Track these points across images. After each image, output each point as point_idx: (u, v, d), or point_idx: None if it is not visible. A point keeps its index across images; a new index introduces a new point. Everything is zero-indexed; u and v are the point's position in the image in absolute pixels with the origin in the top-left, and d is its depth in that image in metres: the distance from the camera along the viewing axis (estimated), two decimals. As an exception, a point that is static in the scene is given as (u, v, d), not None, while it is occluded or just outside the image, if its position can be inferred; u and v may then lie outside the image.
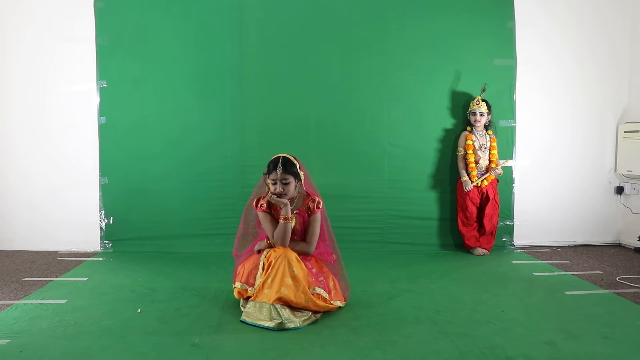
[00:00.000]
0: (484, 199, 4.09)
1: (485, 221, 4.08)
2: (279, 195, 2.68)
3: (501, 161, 4.11)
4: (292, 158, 2.73)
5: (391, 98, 4.17)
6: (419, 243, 4.22)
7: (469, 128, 4.12)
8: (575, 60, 4.36)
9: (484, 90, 4.02)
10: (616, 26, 4.38)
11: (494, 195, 4.11)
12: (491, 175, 4.07)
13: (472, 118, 4.07)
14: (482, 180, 4.05)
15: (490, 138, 4.10)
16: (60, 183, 4.18)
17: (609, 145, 4.45)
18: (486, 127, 4.12)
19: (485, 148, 4.06)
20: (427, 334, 2.37)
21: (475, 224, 4.14)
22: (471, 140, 4.06)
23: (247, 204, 2.90)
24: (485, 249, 4.09)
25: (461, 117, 4.22)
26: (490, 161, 4.08)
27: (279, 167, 2.66)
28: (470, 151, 4.04)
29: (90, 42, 4.07)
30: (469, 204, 4.07)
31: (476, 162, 4.05)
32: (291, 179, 2.69)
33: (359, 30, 4.16)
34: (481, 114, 4.02)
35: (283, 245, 2.65)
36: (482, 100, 4.03)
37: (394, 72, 4.17)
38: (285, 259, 2.54)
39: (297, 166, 2.73)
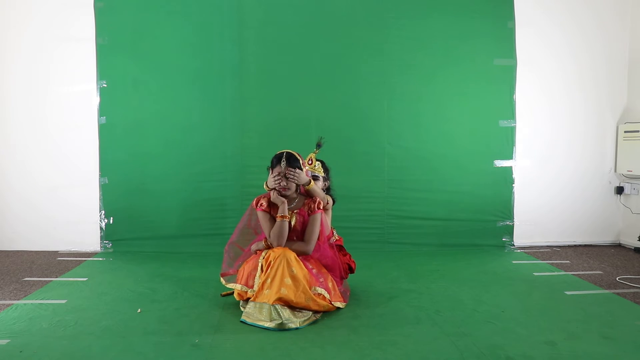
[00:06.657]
0: None
1: None
2: (282, 190, 2.67)
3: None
4: (296, 154, 2.73)
5: (391, 98, 4.16)
6: (419, 243, 4.21)
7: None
8: (575, 60, 4.36)
9: (319, 145, 2.85)
10: (616, 26, 4.37)
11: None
12: None
13: None
14: None
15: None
16: (60, 183, 4.18)
17: (609, 145, 4.45)
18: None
19: None
20: (427, 334, 2.37)
21: None
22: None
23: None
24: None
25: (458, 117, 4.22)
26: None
27: (283, 161, 2.66)
28: None
29: (90, 42, 4.07)
30: None
31: None
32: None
33: (359, 31, 4.16)
34: (315, 177, 2.86)
35: (279, 244, 2.64)
36: (318, 160, 2.89)
37: (393, 72, 4.16)
38: (284, 258, 2.54)
39: (301, 162, 2.73)
